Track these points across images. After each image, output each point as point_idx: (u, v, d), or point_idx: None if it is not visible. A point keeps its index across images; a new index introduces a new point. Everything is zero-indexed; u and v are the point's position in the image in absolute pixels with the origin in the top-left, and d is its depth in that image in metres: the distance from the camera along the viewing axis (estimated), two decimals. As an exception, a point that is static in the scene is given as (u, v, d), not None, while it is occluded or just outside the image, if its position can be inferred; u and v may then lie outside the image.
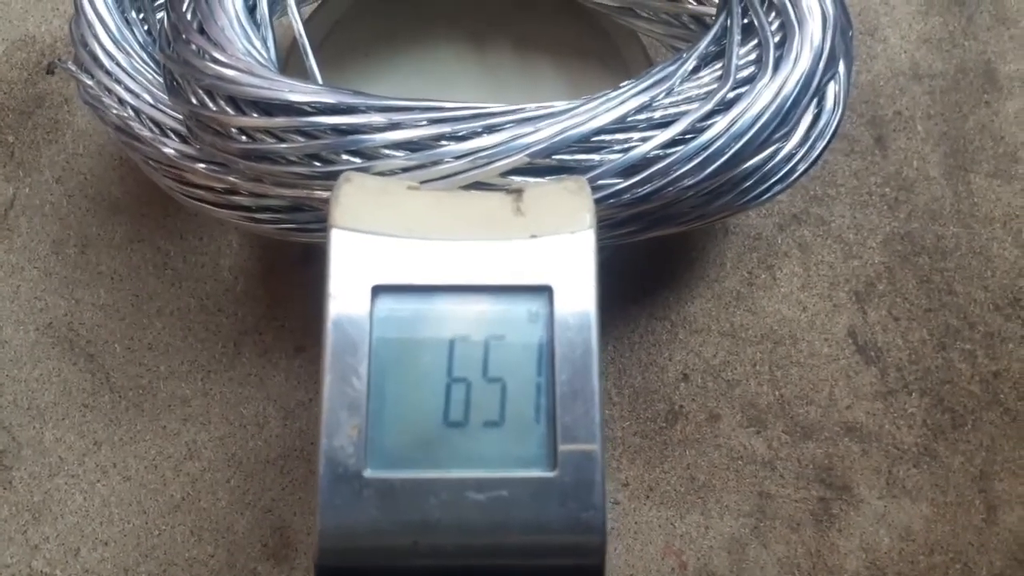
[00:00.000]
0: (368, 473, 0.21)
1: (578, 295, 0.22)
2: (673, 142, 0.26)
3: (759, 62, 0.27)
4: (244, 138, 0.27)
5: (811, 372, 0.39)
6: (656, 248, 0.40)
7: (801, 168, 0.30)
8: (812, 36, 0.27)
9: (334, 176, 0.25)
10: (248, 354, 0.38)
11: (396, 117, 0.26)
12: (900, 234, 0.40)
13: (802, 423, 0.38)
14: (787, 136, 0.28)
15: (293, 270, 0.39)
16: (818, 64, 0.26)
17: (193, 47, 0.28)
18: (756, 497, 0.37)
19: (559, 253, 0.23)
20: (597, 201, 0.25)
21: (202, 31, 0.28)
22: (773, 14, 0.28)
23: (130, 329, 0.38)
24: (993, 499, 0.38)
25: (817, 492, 0.37)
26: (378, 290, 0.22)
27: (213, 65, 0.27)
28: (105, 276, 0.39)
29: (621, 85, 0.27)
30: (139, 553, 0.36)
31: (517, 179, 0.26)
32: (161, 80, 0.30)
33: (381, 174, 0.26)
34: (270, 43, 0.30)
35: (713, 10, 0.32)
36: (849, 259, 0.40)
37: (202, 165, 0.29)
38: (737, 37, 0.27)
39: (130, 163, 0.40)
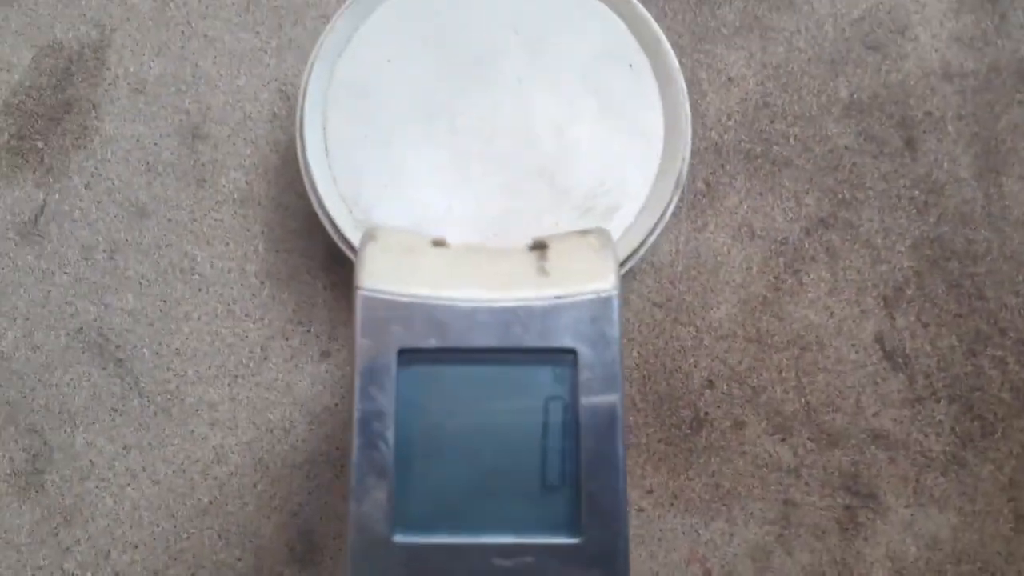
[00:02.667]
0: (397, 539, 0.22)
1: (602, 358, 0.22)
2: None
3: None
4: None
5: (838, 379, 0.38)
6: (681, 252, 0.39)
7: None
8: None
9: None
10: (274, 359, 0.38)
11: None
12: (930, 238, 0.40)
13: (828, 430, 0.38)
14: None
15: (319, 276, 0.39)
16: None
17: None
18: (781, 505, 0.37)
19: (584, 315, 0.22)
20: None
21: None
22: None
23: (158, 334, 0.38)
24: (1022, 508, 0.37)
25: (843, 500, 0.37)
26: (404, 353, 0.22)
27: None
28: (133, 281, 0.39)
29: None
30: (168, 556, 0.37)
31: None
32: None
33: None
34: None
35: None
36: (877, 264, 0.39)
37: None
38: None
39: (157, 169, 0.40)
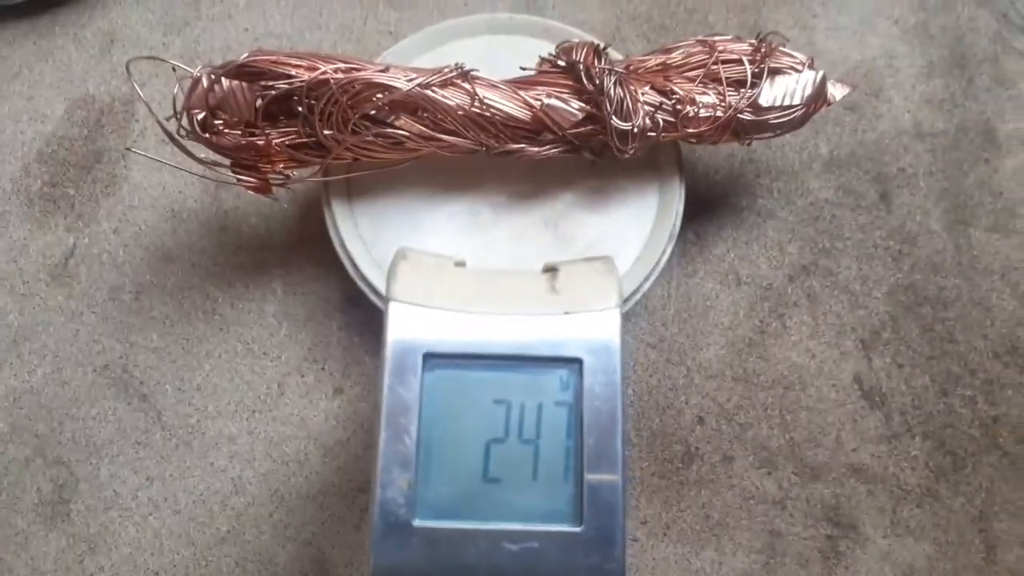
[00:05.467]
0: (416, 523, 0.24)
1: (605, 368, 0.25)
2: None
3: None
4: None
5: (819, 416, 0.41)
6: (673, 296, 0.42)
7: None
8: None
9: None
10: (290, 395, 0.41)
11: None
12: (904, 285, 0.43)
13: (811, 464, 0.40)
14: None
15: (333, 316, 0.41)
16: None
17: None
18: (767, 535, 0.39)
19: (589, 329, 0.25)
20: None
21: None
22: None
23: (181, 371, 0.41)
24: (992, 539, 0.40)
25: (825, 531, 0.40)
26: (429, 357, 0.25)
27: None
28: (158, 321, 0.41)
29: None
30: (188, 583, 0.38)
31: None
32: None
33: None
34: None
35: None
36: (855, 309, 0.42)
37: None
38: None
39: (182, 215, 0.43)
